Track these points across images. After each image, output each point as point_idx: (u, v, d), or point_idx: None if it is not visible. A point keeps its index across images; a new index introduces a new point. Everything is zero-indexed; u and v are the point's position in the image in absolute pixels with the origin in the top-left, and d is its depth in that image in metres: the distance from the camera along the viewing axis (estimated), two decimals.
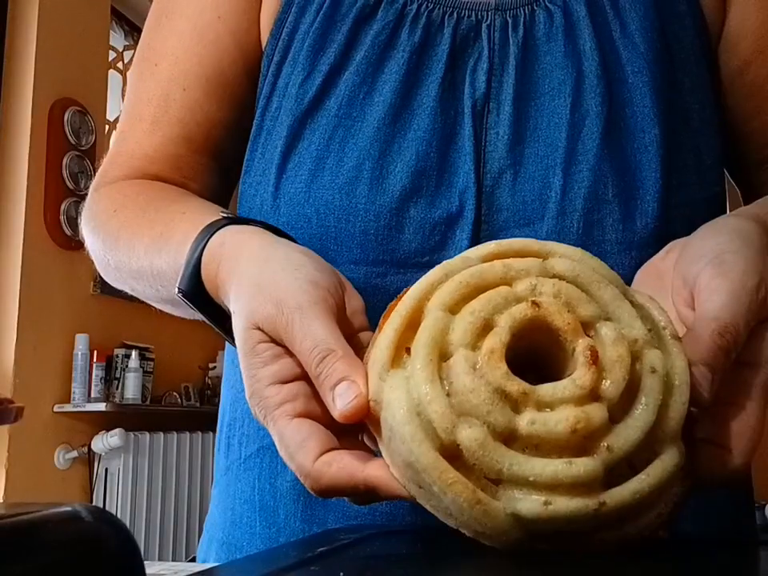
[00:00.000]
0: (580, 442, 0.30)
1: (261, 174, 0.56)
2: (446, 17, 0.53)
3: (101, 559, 0.26)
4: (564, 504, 0.30)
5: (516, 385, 0.31)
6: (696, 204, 0.52)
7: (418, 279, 0.37)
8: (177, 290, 0.46)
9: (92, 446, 2.41)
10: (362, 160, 0.51)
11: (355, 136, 0.52)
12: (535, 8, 0.53)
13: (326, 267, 0.42)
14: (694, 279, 0.37)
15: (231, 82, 0.59)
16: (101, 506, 2.22)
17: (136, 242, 0.53)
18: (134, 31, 3.07)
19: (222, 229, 0.46)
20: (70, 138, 2.43)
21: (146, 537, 2.50)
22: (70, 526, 0.26)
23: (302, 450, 0.36)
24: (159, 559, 2.54)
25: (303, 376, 0.38)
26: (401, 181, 0.50)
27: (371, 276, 0.49)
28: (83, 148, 2.49)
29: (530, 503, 0.30)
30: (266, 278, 0.39)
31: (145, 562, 0.29)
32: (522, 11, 0.53)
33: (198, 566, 0.46)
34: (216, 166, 0.61)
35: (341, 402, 0.35)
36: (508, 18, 0.53)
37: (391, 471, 0.34)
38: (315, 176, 0.52)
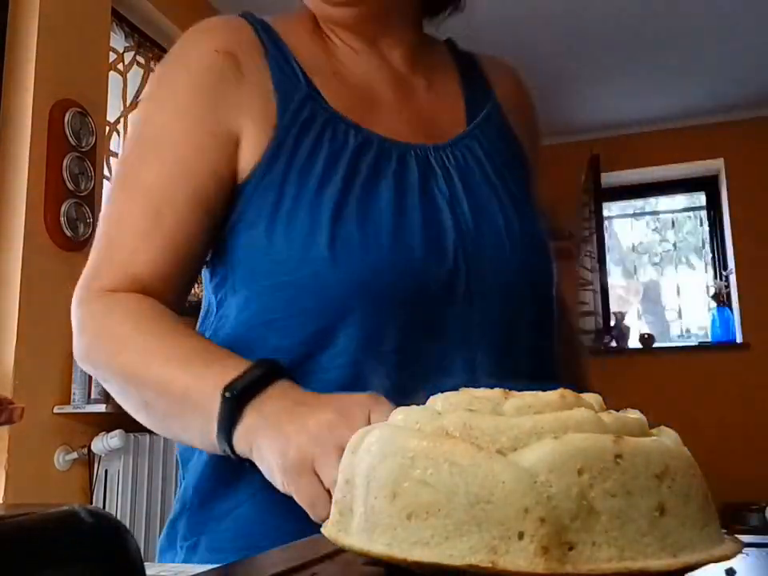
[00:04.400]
0: None
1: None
2: (407, 154, 0.76)
3: (101, 560, 0.26)
4: None
5: None
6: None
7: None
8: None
9: (92, 448, 2.41)
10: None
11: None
12: (453, 149, 0.79)
13: None
14: None
15: (211, 204, 0.71)
16: (101, 507, 2.21)
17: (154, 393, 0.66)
18: (134, 33, 3.07)
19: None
20: (70, 139, 2.43)
21: (145, 538, 2.50)
22: (69, 526, 0.26)
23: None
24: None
25: None
26: None
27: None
28: (84, 149, 2.49)
29: None
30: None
31: (145, 563, 0.29)
32: (449, 150, 0.79)
33: (197, 567, 0.46)
34: (196, 277, 0.75)
35: None
36: (445, 153, 0.79)
37: None
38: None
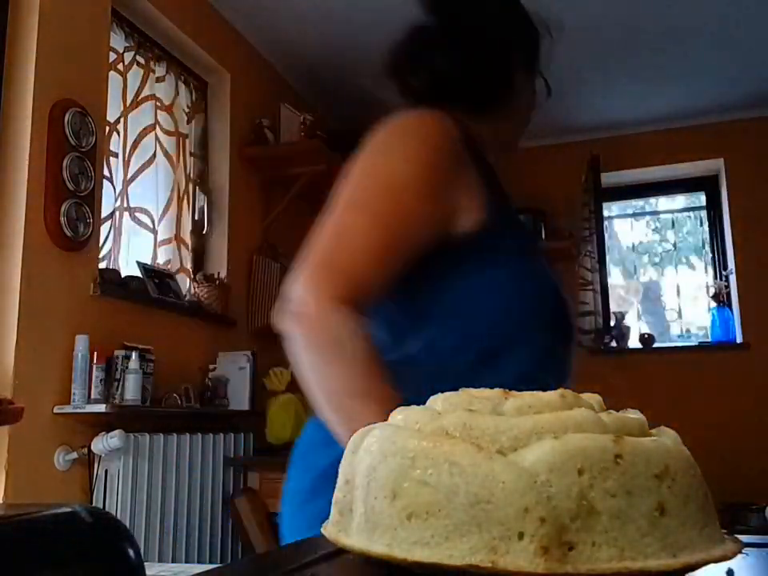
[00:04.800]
0: None
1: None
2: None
3: (101, 560, 0.26)
4: None
5: None
6: None
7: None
8: None
9: (92, 447, 2.41)
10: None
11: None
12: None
13: None
14: None
15: (413, 255, 0.92)
16: (101, 507, 2.21)
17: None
18: (134, 33, 3.07)
19: None
20: (70, 139, 2.43)
21: (145, 538, 2.50)
22: (69, 526, 0.26)
23: None
24: (159, 560, 2.54)
25: None
26: None
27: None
28: (83, 149, 2.49)
29: None
30: None
31: (145, 563, 0.29)
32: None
33: (197, 567, 0.46)
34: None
35: None
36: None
37: None
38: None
